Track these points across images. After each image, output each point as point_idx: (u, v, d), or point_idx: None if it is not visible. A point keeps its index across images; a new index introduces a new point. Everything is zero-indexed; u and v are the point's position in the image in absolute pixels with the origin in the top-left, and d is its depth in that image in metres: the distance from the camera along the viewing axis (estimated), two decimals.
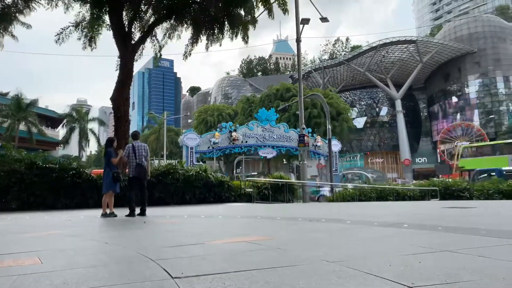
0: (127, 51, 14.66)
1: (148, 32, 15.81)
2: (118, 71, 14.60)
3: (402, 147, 68.52)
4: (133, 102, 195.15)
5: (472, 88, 68.35)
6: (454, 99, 70.61)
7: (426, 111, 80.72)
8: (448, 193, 17.17)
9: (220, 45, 16.56)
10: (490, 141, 60.12)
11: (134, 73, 16.87)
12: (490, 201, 15.32)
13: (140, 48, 16.53)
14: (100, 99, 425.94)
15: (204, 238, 4.41)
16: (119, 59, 14.70)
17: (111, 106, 14.40)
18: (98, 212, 8.83)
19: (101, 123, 60.16)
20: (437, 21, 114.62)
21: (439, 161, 65.35)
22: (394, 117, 72.94)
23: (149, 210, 8.85)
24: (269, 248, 3.59)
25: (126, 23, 15.19)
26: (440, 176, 42.48)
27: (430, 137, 78.00)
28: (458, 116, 68.99)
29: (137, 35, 15.85)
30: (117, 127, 14.34)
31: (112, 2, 14.24)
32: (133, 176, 8.55)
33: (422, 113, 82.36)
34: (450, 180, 20.86)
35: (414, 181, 37.56)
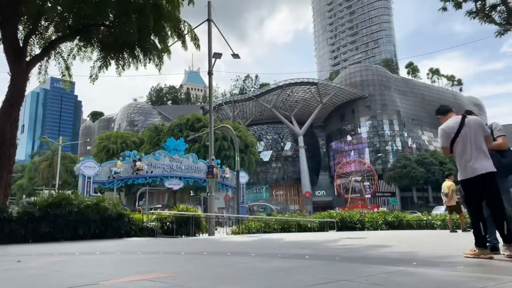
0: (20, 68, 13.22)
1: (47, 50, 14.51)
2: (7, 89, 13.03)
3: (304, 180, 72.71)
4: (23, 125, 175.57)
5: (364, 128, 76.79)
6: (349, 137, 78.31)
7: (325, 147, 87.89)
8: (344, 225, 18.53)
9: (137, 69, 15.90)
10: (378, 177, 67.41)
11: (27, 93, 15.21)
12: (379, 231, 16.92)
13: (43, 67, 15.09)
14: None
15: (98, 278, 3.97)
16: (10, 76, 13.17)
17: None
18: None
19: None
20: (335, 67, 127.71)
21: (336, 194, 70.70)
22: (297, 152, 77.62)
23: (34, 247, 7.79)
24: (170, 285, 3.37)
25: (22, 37, 13.81)
26: (337, 208, 45.85)
27: (328, 171, 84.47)
28: (352, 153, 76.34)
29: (36, 52, 14.47)
30: (0, 151, 12.59)
31: (6, 13, 12.86)
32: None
33: (321, 149, 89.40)
34: (345, 212, 22.56)
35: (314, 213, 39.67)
